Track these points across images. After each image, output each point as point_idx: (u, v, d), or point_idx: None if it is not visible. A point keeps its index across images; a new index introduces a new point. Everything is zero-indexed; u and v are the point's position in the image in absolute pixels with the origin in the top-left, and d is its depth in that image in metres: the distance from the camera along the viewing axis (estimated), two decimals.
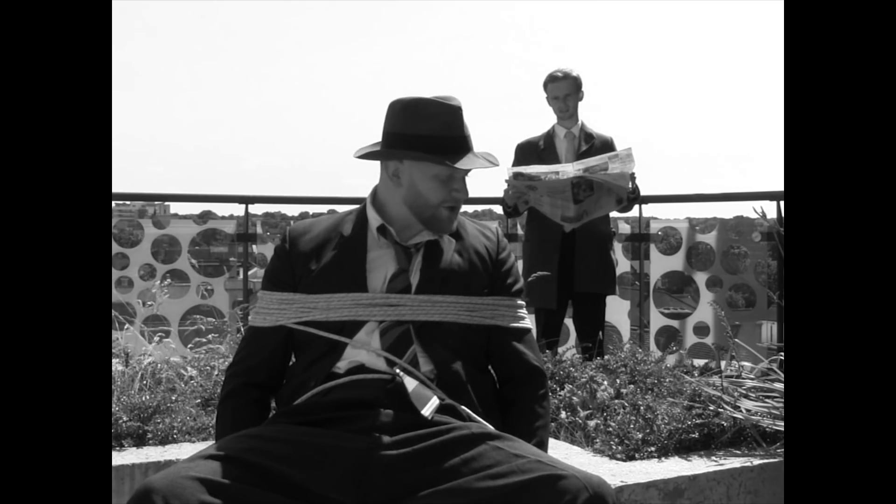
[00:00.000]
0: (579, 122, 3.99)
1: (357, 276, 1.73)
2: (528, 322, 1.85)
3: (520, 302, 1.84)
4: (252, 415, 1.73)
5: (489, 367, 1.82)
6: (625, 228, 5.01)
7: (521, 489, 1.41)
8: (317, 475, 1.47)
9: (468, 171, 1.77)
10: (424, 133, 1.71)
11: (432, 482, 1.46)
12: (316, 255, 1.77)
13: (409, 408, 1.58)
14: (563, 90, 3.92)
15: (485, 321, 1.75)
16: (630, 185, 3.67)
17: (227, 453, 1.49)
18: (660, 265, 5.01)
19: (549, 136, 4.00)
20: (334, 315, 1.70)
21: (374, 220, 1.79)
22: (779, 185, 4.33)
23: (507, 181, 3.69)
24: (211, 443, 1.74)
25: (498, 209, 4.45)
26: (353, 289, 1.72)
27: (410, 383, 1.61)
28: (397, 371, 1.63)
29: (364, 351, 1.68)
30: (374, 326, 1.69)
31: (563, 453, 2.16)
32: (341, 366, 1.67)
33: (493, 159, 1.79)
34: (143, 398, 2.39)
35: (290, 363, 1.80)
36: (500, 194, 3.83)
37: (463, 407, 1.64)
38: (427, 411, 1.57)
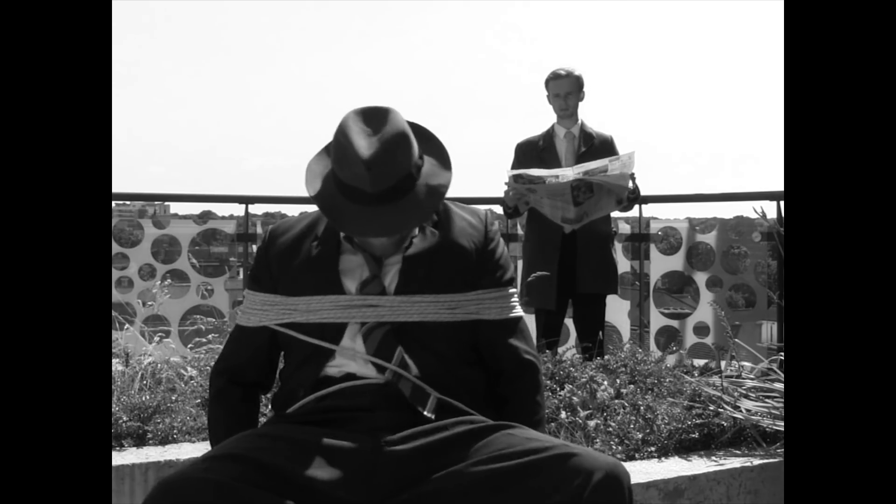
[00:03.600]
0: (579, 122, 3.99)
1: (332, 279, 1.70)
2: (519, 310, 1.78)
3: (511, 291, 1.77)
4: (243, 413, 1.74)
5: (480, 361, 1.79)
6: (625, 228, 5.01)
7: (535, 467, 1.41)
8: (325, 474, 1.47)
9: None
10: (338, 175, 1.63)
11: (444, 469, 1.46)
12: (292, 255, 1.74)
13: (407, 408, 1.58)
14: (565, 88, 3.93)
15: (469, 316, 1.70)
16: (630, 186, 3.67)
17: (240, 453, 1.49)
18: (660, 265, 5.01)
19: (549, 136, 4.01)
20: (314, 317, 1.67)
21: None
22: (779, 185, 4.33)
23: (506, 183, 3.70)
24: (224, 441, 1.73)
25: (498, 209, 4.46)
26: (330, 291, 1.68)
27: (405, 386, 1.60)
28: (389, 377, 1.62)
29: (352, 361, 1.65)
30: (355, 329, 1.66)
31: None
32: (331, 373, 1.65)
33: (407, 219, 1.61)
34: (143, 398, 2.39)
35: (281, 366, 1.79)
36: (500, 194, 3.84)
37: (459, 404, 1.63)
38: (428, 410, 1.58)
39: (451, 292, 1.69)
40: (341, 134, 1.61)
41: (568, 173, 3.59)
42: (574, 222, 3.69)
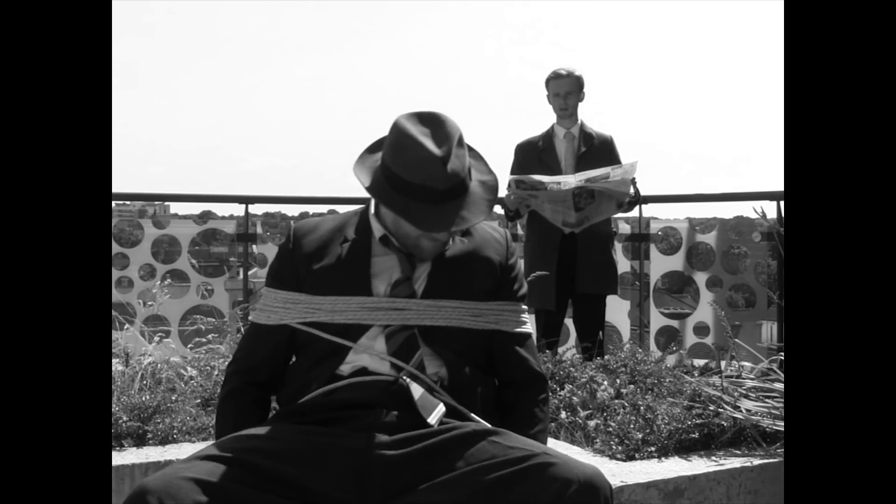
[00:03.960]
0: (579, 122, 4.00)
1: (362, 280, 1.72)
2: (530, 327, 1.85)
3: (523, 307, 1.84)
4: (253, 415, 1.73)
5: (492, 369, 1.82)
6: (625, 228, 5.01)
7: (515, 478, 1.42)
8: (316, 474, 1.47)
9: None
10: (404, 177, 1.64)
11: (430, 478, 1.47)
12: (319, 255, 1.76)
13: (411, 409, 1.58)
14: (565, 88, 3.94)
15: (489, 326, 1.75)
16: (631, 190, 3.70)
17: (223, 453, 1.48)
18: (660, 265, 5.02)
19: (549, 136, 4.01)
20: (339, 318, 1.69)
21: (377, 230, 1.77)
22: (779, 185, 4.33)
23: (508, 188, 3.75)
24: (211, 442, 1.74)
25: (498, 209, 4.47)
26: (358, 292, 1.71)
27: (417, 390, 1.60)
28: (403, 376, 1.63)
29: (367, 355, 1.67)
30: (378, 331, 1.69)
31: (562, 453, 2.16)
32: (344, 369, 1.67)
33: (478, 216, 1.67)
34: (143, 398, 2.39)
35: (292, 363, 1.80)
36: (501, 195, 3.86)
37: (463, 409, 1.64)
38: (433, 419, 1.57)
39: (475, 300, 1.74)
40: (404, 137, 1.64)
41: (570, 181, 3.63)
42: (575, 226, 3.72)
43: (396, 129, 1.67)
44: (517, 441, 1.52)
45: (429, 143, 1.63)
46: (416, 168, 1.62)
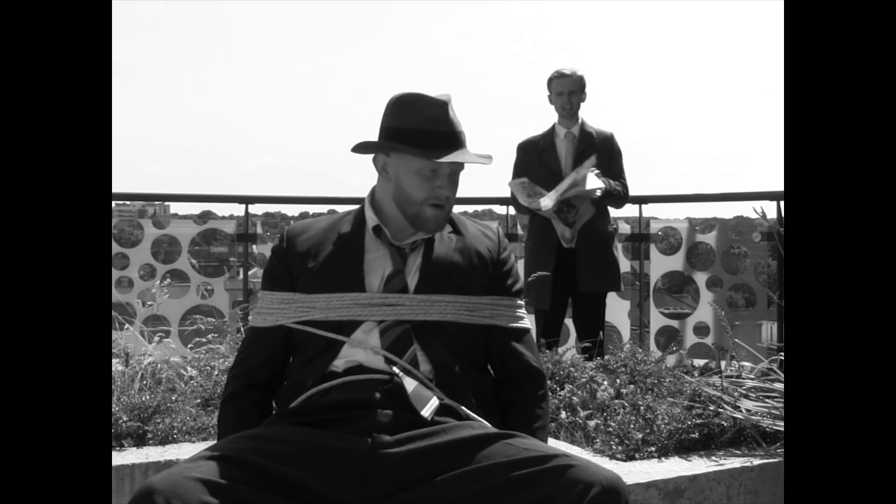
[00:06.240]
0: (579, 122, 4.00)
1: (355, 276, 1.73)
2: (528, 322, 1.84)
3: (519, 302, 1.83)
4: (253, 417, 1.73)
5: (488, 366, 1.82)
6: (625, 228, 5.02)
7: (533, 479, 1.42)
8: (318, 475, 1.47)
9: (454, 168, 1.74)
10: (408, 126, 1.71)
11: (440, 474, 1.46)
12: (313, 254, 1.77)
13: (408, 408, 1.58)
14: (568, 87, 3.95)
15: (484, 321, 1.75)
16: (600, 183, 3.79)
17: (227, 454, 1.49)
18: (660, 265, 5.02)
19: (550, 136, 4.02)
20: (333, 315, 1.70)
21: (371, 219, 1.79)
22: (779, 185, 4.33)
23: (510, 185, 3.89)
24: (211, 443, 1.74)
25: (497, 209, 4.48)
26: (352, 289, 1.72)
27: (410, 384, 1.61)
28: (396, 371, 1.63)
29: (361, 350, 1.67)
30: (372, 325, 1.69)
31: None
32: (338, 364, 1.67)
33: (484, 159, 1.76)
34: (143, 398, 2.39)
35: (289, 363, 1.80)
36: (502, 194, 3.92)
37: (462, 407, 1.64)
38: (427, 412, 1.57)
39: (467, 294, 1.75)
40: (404, 97, 1.74)
41: (547, 203, 3.72)
42: (570, 242, 3.83)
43: (395, 97, 1.76)
44: (532, 443, 1.52)
45: (430, 96, 1.73)
46: (421, 112, 1.71)
